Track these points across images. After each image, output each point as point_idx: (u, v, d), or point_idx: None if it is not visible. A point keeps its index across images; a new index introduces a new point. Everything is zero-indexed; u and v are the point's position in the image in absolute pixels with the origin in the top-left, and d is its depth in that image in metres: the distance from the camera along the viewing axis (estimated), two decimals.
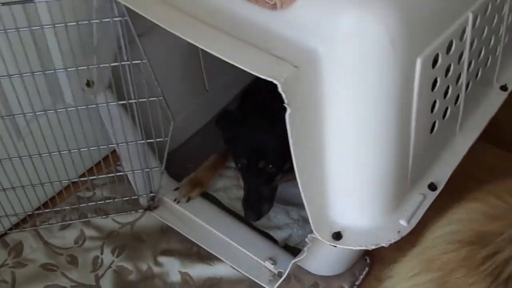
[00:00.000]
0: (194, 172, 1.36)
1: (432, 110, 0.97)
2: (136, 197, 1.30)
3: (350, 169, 0.93)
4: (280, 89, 0.79)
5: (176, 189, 1.32)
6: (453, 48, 0.94)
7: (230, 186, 1.37)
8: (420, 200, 1.00)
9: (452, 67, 0.97)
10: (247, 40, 0.86)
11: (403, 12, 0.82)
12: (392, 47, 0.82)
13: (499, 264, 0.67)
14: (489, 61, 1.12)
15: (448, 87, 1.00)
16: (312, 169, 0.91)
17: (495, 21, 1.06)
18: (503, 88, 1.19)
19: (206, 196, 1.36)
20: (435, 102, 0.97)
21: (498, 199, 0.74)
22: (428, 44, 0.88)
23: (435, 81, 0.95)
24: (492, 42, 1.09)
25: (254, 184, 1.17)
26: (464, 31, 0.96)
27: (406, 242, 0.91)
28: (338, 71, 0.84)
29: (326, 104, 0.87)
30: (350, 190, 0.95)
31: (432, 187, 1.02)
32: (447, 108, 1.02)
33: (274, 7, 0.83)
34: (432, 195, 1.01)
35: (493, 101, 1.17)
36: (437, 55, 0.91)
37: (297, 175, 0.88)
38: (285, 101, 0.80)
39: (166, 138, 1.15)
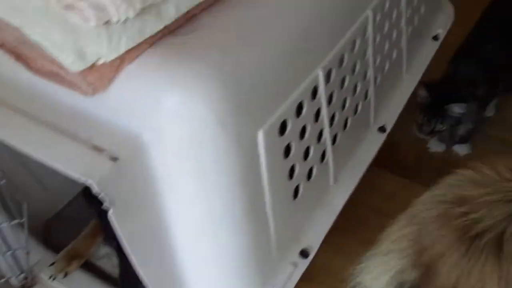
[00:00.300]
0: (72, 243, 1.26)
1: (291, 176, 0.90)
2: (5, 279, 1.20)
3: (202, 254, 0.85)
4: (95, 190, 0.70)
5: (52, 264, 1.22)
6: (304, 110, 0.87)
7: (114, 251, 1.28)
8: (290, 271, 0.93)
9: (308, 128, 0.90)
10: (65, 128, 0.76)
11: (230, 89, 0.74)
12: (222, 127, 0.75)
13: (471, 223, 0.73)
14: (360, 107, 1.06)
15: (308, 148, 0.93)
16: (157, 261, 0.82)
17: (357, 68, 1.00)
18: (382, 129, 1.13)
19: (88, 265, 1.26)
20: (293, 167, 0.90)
21: (492, 170, 0.78)
22: (270, 115, 0.81)
23: (289, 147, 0.88)
24: (359, 88, 1.03)
25: (127, 262, 1.07)
26: (316, 89, 0.90)
27: None
28: (168, 158, 0.76)
29: (162, 193, 0.78)
30: (206, 275, 0.87)
31: (304, 253, 0.95)
32: (312, 168, 0.96)
33: (85, 93, 0.74)
34: (305, 263, 0.95)
35: (372, 144, 1.11)
36: (286, 121, 0.85)
37: (138, 270, 0.79)
38: (104, 201, 0.71)
39: (23, 220, 1.05)
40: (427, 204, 0.79)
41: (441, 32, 1.32)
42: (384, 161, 1.47)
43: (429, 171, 1.49)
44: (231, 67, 0.75)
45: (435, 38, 1.31)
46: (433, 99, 1.32)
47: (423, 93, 1.31)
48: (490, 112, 1.56)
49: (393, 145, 1.50)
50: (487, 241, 0.71)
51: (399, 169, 1.48)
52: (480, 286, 0.71)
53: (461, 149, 1.49)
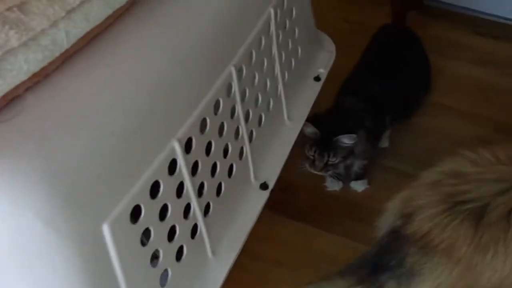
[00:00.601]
0: None
1: (154, 263, 0.80)
2: None
3: None
4: None
5: None
6: (161, 188, 0.78)
7: None
8: None
9: (170, 206, 0.81)
10: None
11: (56, 185, 0.63)
12: (52, 230, 0.63)
13: (458, 192, 0.82)
14: (235, 168, 0.97)
15: (174, 226, 0.83)
16: None
17: (226, 129, 0.92)
18: (264, 186, 1.05)
19: None
20: (157, 251, 0.80)
21: (491, 154, 0.87)
22: (115, 203, 0.70)
23: (148, 230, 0.78)
24: (231, 149, 0.95)
25: None
26: (175, 161, 0.80)
27: None
28: None
29: None
30: None
31: None
32: (182, 247, 0.86)
33: None
34: None
35: (253, 205, 1.02)
36: (138, 206, 0.75)
37: None
38: None
39: None
40: (426, 173, 0.90)
41: (323, 72, 1.26)
42: (279, 205, 1.40)
43: (328, 212, 1.44)
44: (55, 160, 0.64)
45: (317, 78, 1.26)
46: (322, 132, 1.28)
47: (310, 128, 1.27)
48: (383, 143, 1.53)
49: (288, 188, 1.43)
50: (470, 208, 0.81)
51: (296, 213, 1.41)
52: (450, 242, 0.80)
53: (358, 186, 1.45)
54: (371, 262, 0.91)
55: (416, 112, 1.56)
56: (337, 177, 1.44)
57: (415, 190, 0.88)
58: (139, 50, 0.77)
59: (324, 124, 1.30)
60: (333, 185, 1.45)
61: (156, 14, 0.81)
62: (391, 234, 0.88)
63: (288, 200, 1.43)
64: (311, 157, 1.32)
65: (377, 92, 1.41)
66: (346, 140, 1.29)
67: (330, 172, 1.39)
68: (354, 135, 1.29)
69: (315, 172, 1.35)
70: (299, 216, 1.41)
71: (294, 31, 1.15)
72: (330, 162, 1.34)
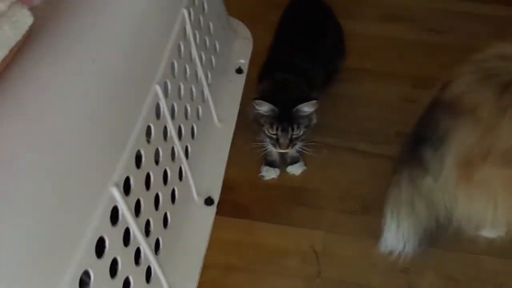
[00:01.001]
0: None
1: None
2: None
3: None
4: None
5: None
6: (107, 245, 0.68)
7: None
8: None
9: (119, 259, 0.71)
10: None
11: None
12: None
13: (494, 67, 0.88)
14: (177, 191, 0.89)
15: (128, 278, 0.74)
16: None
17: (162, 155, 0.82)
18: (208, 201, 0.98)
19: None
20: None
21: None
22: (60, 279, 0.61)
23: None
24: (170, 174, 0.86)
25: None
26: (117, 209, 0.71)
27: None
28: None
29: None
30: None
31: None
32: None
33: None
34: None
35: (203, 224, 0.95)
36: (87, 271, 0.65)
37: None
38: None
39: None
40: (478, 56, 0.92)
41: (243, 62, 1.18)
42: (220, 206, 1.33)
43: (270, 203, 1.37)
44: None
45: (239, 71, 1.18)
46: (279, 107, 1.20)
47: (266, 106, 1.18)
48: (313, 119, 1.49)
49: (226, 186, 1.36)
50: (500, 80, 0.87)
51: (238, 211, 1.34)
52: (475, 104, 0.86)
53: (295, 169, 1.39)
54: (411, 142, 0.96)
55: (334, 81, 1.53)
56: (272, 164, 1.39)
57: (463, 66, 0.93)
58: (49, 93, 0.65)
59: (275, 99, 1.22)
60: (269, 174, 1.39)
61: (59, 45, 0.69)
62: (429, 106, 0.94)
63: (227, 199, 1.35)
64: (274, 136, 1.25)
65: (300, 66, 1.35)
66: (307, 108, 1.21)
67: (296, 147, 1.32)
68: (314, 101, 1.21)
69: (281, 151, 1.28)
70: (242, 213, 1.34)
71: (209, 26, 1.06)
72: (294, 136, 1.26)
